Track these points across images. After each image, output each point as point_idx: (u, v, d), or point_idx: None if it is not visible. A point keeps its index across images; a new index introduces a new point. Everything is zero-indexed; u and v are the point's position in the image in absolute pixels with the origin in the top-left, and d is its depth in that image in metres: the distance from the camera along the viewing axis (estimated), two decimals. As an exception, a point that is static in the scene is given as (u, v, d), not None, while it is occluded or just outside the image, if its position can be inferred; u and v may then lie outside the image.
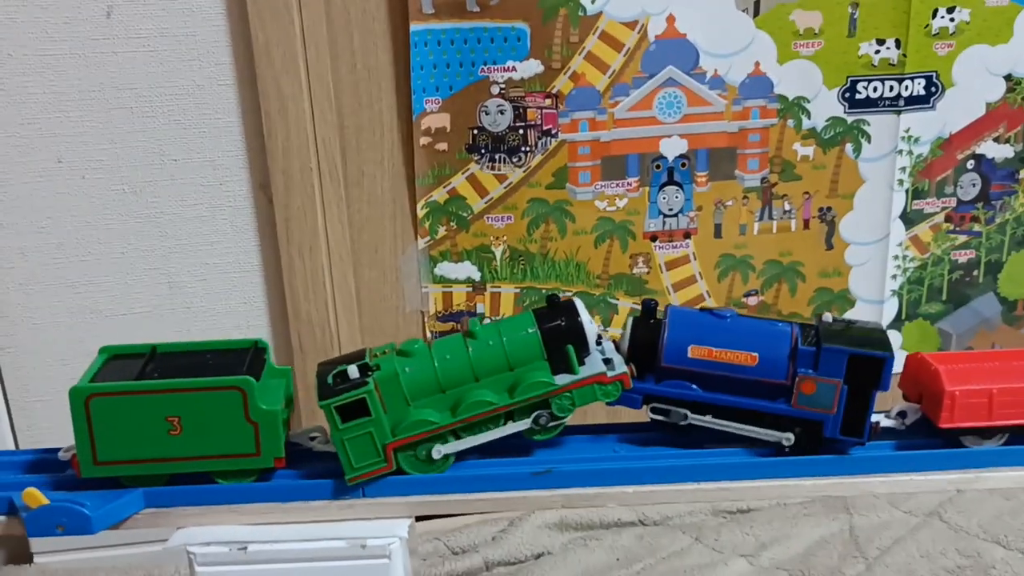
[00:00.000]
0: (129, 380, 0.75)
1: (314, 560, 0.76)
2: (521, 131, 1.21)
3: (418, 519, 0.86)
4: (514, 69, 1.19)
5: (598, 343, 0.79)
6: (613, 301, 1.30)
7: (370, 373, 0.75)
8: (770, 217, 1.29)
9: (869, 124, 1.25)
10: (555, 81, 1.20)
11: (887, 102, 1.25)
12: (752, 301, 1.33)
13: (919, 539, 1.26)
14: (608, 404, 0.77)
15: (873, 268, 1.33)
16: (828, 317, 0.79)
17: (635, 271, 1.29)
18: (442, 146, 1.21)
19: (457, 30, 1.16)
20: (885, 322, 1.36)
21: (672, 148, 1.24)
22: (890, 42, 1.22)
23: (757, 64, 1.22)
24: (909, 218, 1.31)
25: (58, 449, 0.79)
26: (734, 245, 1.30)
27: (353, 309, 1.23)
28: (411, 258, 1.25)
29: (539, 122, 1.21)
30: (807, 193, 1.29)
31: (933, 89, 1.25)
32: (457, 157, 1.22)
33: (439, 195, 1.23)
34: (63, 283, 1.15)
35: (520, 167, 1.23)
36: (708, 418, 0.78)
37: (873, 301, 1.35)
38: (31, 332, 1.16)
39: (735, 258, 1.31)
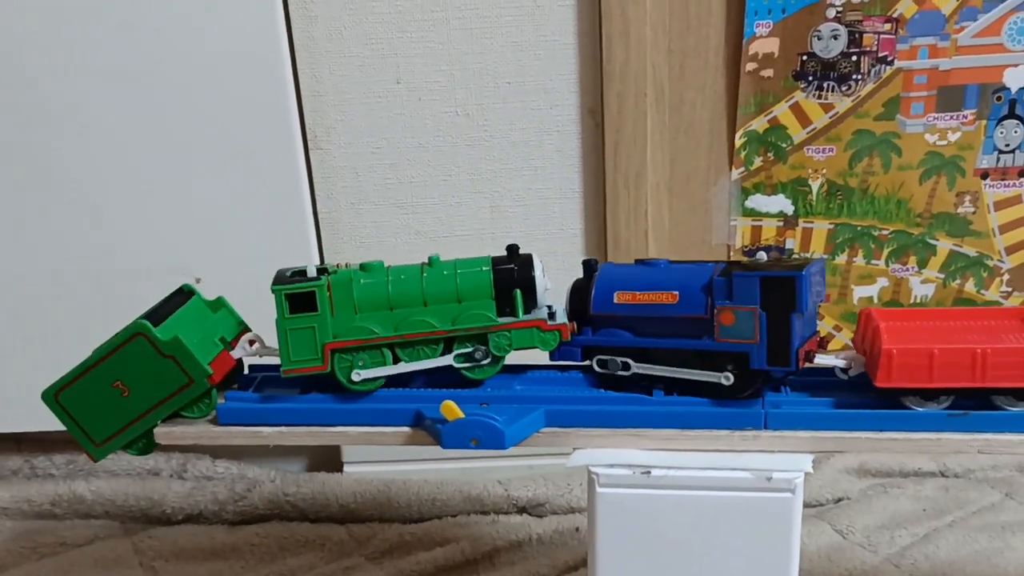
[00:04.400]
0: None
1: (718, 489, 0.74)
2: (854, 58, 1.15)
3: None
4: (854, -9, 1.12)
5: (550, 306, 0.79)
6: (932, 242, 1.23)
7: (326, 274, 0.77)
8: (1117, 156, 1.19)
9: None
10: (897, 4, 1.13)
11: None
12: (1085, 247, 1.24)
13: None
14: (550, 353, 0.78)
15: None
16: (763, 255, 0.76)
17: (960, 210, 1.22)
18: (768, 72, 1.16)
19: (798, -51, 1.11)
20: None
21: (1017, 79, 1.16)
22: None
23: (1125, -14, 1.11)
24: None
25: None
26: (1073, 186, 1.21)
27: (664, 241, 1.21)
28: (723, 189, 1.22)
29: (875, 48, 1.14)
30: None
31: None
32: (782, 84, 1.17)
33: (759, 124, 1.19)
34: (392, 203, 1.17)
35: (849, 96, 1.17)
36: (649, 366, 0.77)
37: None
38: (358, 249, 1.19)
39: (1072, 200, 1.21)
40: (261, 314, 1.16)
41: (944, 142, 1.19)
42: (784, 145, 1.19)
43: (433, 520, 1.21)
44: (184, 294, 0.84)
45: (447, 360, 0.78)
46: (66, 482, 1.27)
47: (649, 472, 0.75)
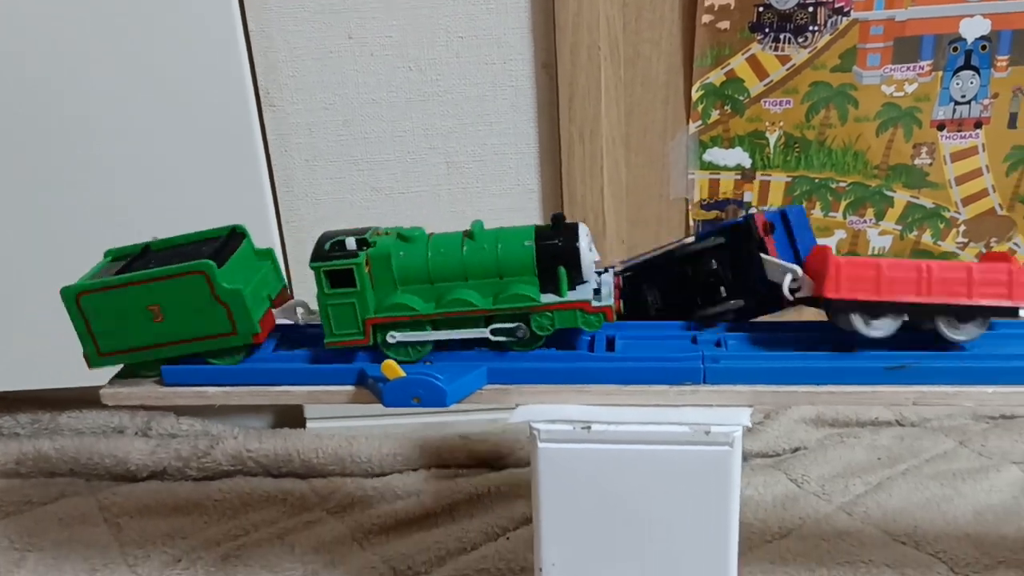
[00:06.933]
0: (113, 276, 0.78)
1: (657, 443, 0.75)
2: (810, 8, 1.14)
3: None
4: (809, -59, 1.11)
5: (600, 273, 0.78)
6: (889, 193, 1.24)
7: (365, 248, 0.76)
8: (1073, 106, 1.19)
9: None
10: (853, -46, 1.12)
11: None
12: (1040, 197, 1.24)
13: None
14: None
15: None
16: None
17: (917, 162, 1.22)
18: (724, 25, 1.15)
19: (752, -102, 1.09)
20: None
21: (973, 29, 1.15)
22: None
23: (1082, -66, 1.11)
24: None
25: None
26: (1029, 136, 1.21)
27: (621, 196, 1.21)
28: (680, 143, 1.21)
29: (831, -1, 1.14)
30: (1119, 80, 1.18)
31: None
32: (739, 36, 1.16)
33: (716, 77, 1.18)
34: (347, 160, 1.16)
35: (805, 48, 1.16)
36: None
37: None
38: (314, 207, 1.18)
39: (1028, 151, 1.22)
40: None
41: (901, 93, 1.18)
42: (741, 98, 1.19)
43: (394, 474, 1.22)
44: (237, 236, 0.83)
45: (487, 333, 0.77)
46: (31, 441, 1.27)
47: (589, 427, 0.76)
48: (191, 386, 0.81)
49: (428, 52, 1.12)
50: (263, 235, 1.18)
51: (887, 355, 0.75)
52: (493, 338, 0.77)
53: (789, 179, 1.23)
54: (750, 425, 0.75)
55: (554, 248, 0.76)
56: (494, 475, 1.21)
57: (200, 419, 1.32)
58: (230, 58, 1.09)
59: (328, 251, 0.76)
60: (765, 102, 1.19)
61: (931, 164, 1.22)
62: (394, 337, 0.77)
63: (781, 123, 1.20)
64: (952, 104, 1.19)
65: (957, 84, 1.18)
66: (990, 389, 0.74)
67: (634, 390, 0.77)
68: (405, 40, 1.11)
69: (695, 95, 1.19)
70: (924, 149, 1.21)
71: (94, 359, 0.80)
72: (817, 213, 1.25)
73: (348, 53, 1.12)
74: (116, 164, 1.13)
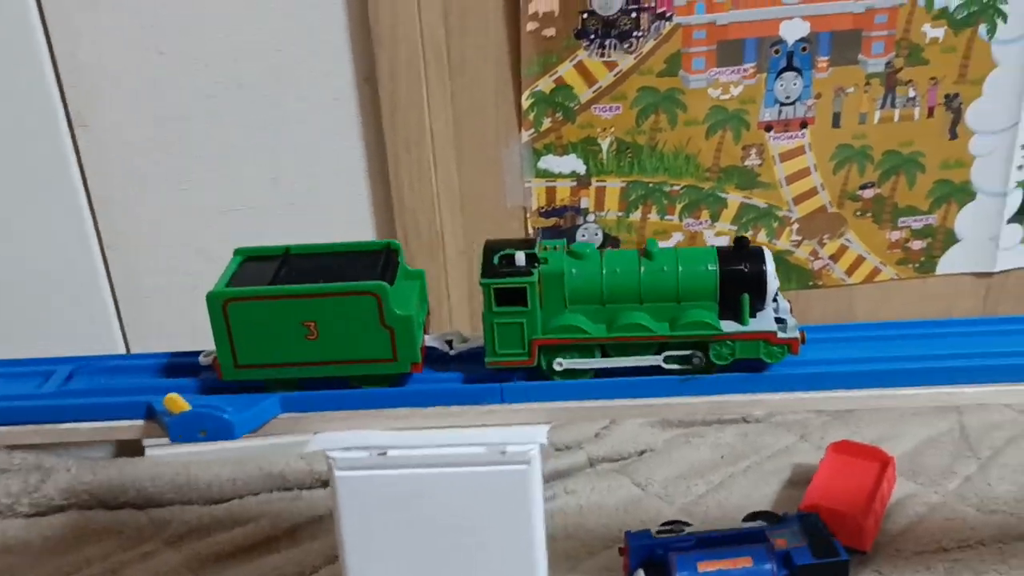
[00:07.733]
0: (264, 284, 0.73)
1: (454, 465, 0.74)
2: (634, 14, 1.15)
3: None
4: (628, -53, 1.12)
5: (774, 299, 0.75)
6: (723, 195, 1.25)
7: (536, 265, 0.73)
8: (892, 105, 1.22)
9: (1006, 2, 1.17)
10: (672, -40, 1.13)
11: (1029, -22, 1.16)
12: (868, 194, 1.27)
13: (1035, 439, 1.23)
14: None
15: (998, 159, 1.26)
16: None
17: (747, 163, 1.24)
18: (550, 32, 1.15)
19: (568, -94, 1.09)
20: (1007, 215, 1.30)
21: (793, 31, 1.17)
22: (1036, -89, 1.12)
23: (888, -62, 1.13)
24: (1042, 105, 1.23)
25: (196, 353, 0.79)
26: (852, 135, 1.24)
27: (456, 205, 1.20)
28: (514, 152, 1.21)
29: (653, 4, 1.14)
30: (934, 79, 1.21)
31: (1079, -37, 1.15)
32: (565, 44, 1.16)
33: (545, 84, 1.18)
34: (169, 180, 1.13)
35: (631, 53, 1.17)
36: None
37: (995, 193, 1.28)
38: (137, 228, 1.14)
39: (853, 149, 1.24)
40: (42, 306, 1.12)
41: (727, 96, 1.20)
42: (571, 105, 1.19)
43: (234, 500, 1.19)
44: (392, 252, 0.77)
45: (659, 361, 0.73)
46: None
47: (385, 453, 0.75)
48: (-29, 427, 0.77)
49: (246, 67, 1.09)
50: (85, 260, 1.14)
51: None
52: (666, 366, 0.74)
53: (624, 184, 1.24)
54: (546, 442, 0.75)
55: (740, 273, 0.72)
56: (337, 495, 1.18)
57: (34, 452, 1.26)
58: (35, 78, 1.05)
59: (498, 266, 0.72)
60: (595, 108, 1.19)
61: (761, 165, 1.24)
62: (560, 364, 0.74)
63: (612, 129, 1.20)
64: (777, 105, 1.21)
65: (781, 85, 1.20)
66: (777, 396, 0.75)
67: (431, 412, 0.76)
68: (222, 56, 1.08)
69: (525, 103, 1.18)
70: (753, 150, 1.23)
71: (229, 370, 0.74)
72: (654, 217, 1.26)
73: (161, 70, 1.08)
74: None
